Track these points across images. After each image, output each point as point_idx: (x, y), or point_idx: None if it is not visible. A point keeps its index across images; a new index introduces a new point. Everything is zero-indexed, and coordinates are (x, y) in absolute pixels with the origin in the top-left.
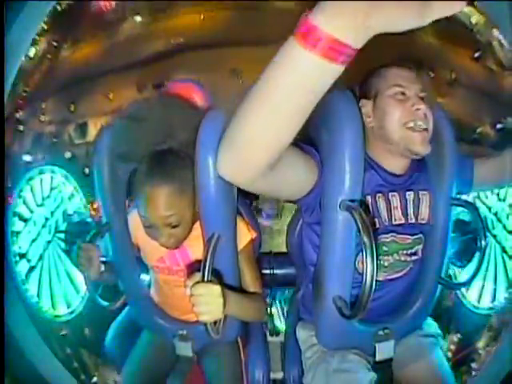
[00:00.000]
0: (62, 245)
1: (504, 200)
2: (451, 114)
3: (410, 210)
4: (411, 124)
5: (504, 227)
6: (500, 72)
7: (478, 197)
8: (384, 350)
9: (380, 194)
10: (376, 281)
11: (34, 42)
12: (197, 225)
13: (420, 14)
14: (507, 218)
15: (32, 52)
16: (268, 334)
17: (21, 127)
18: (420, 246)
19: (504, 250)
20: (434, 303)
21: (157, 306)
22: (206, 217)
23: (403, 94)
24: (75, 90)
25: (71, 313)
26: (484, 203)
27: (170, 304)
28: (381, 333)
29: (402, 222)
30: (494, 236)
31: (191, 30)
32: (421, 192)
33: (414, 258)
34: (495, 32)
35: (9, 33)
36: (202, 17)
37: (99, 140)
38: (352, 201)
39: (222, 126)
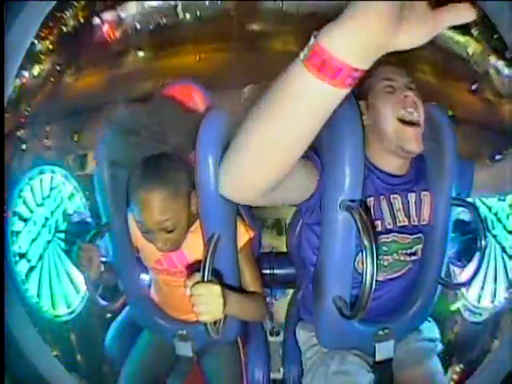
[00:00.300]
0: (62, 245)
1: (504, 200)
2: None
3: (413, 212)
4: (402, 112)
5: (504, 227)
6: (498, 102)
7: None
8: (384, 350)
9: (382, 197)
10: (376, 281)
11: (39, 61)
12: (193, 227)
13: (434, 27)
14: (507, 218)
15: (36, 70)
16: (268, 334)
17: (23, 146)
18: (420, 246)
19: (504, 250)
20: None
21: (157, 306)
22: (206, 217)
23: (392, 86)
24: (79, 120)
25: (71, 313)
26: (484, 203)
27: (170, 304)
28: (381, 333)
29: (406, 223)
30: (494, 236)
31: (188, 69)
32: (422, 193)
33: (413, 257)
34: (492, 59)
35: (9, 33)
36: (198, 58)
37: (99, 142)
38: (352, 201)
39: (222, 126)
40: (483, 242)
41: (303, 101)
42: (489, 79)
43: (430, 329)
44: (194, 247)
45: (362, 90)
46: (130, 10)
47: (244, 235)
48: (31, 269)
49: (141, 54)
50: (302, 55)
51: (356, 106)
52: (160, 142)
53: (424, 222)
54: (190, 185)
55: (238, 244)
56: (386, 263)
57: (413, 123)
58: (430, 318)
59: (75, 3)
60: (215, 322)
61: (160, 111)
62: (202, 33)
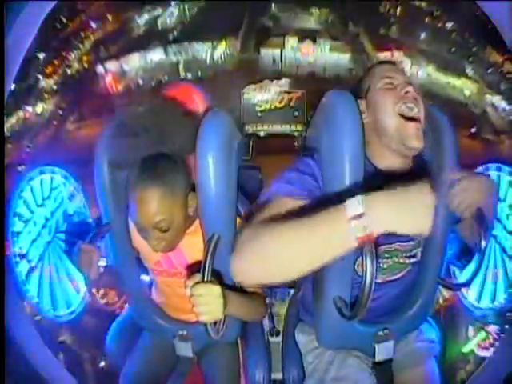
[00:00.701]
0: (62, 245)
1: (504, 200)
2: None
3: None
4: (402, 107)
5: (504, 227)
6: (497, 140)
7: None
8: (384, 351)
9: None
10: (375, 283)
11: (42, 99)
12: (192, 228)
13: None
14: (507, 218)
15: (39, 109)
16: (268, 334)
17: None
18: (419, 249)
19: (504, 251)
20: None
21: (157, 306)
22: (206, 217)
23: (391, 84)
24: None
25: (71, 313)
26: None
27: (171, 305)
28: (380, 333)
29: None
30: (494, 236)
31: None
32: None
33: (412, 260)
34: (488, 97)
35: (9, 33)
36: None
37: (98, 144)
38: None
39: (223, 127)
40: (483, 243)
41: (331, 249)
42: (487, 118)
43: (429, 330)
44: (193, 248)
45: (361, 89)
46: (132, 63)
47: None
48: (31, 269)
49: (141, 109)
50: (354, 228)
51: (356, 105)
52: (159, 144)
53: None
54: (188, 186)
55: None
56: (385, 266)
57: (414, 119)
58: (429, 319)
59: (80, 45)
60: (215, 323)
61: (160, 112)
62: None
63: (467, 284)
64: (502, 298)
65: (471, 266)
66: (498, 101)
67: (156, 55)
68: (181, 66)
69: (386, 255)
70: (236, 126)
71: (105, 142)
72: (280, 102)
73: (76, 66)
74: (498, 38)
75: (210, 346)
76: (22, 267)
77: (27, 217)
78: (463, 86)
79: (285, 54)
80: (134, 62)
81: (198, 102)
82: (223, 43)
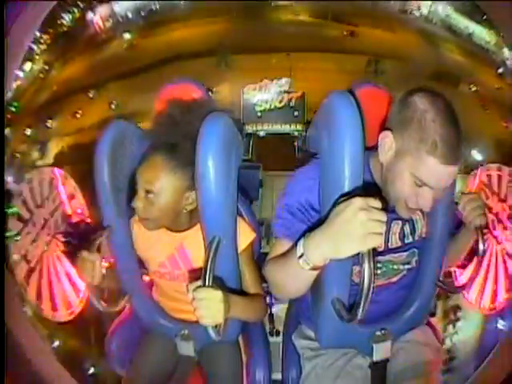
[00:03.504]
0: (62, 246)
1: (504, 201)
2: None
3: (407, 232)
4: (409, 205)
5: (504, 228)
6: None
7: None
8: (381, 351)
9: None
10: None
11: (31, 59)
12: (196, 227)
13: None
14: (507, 218)
15: (27, 67)
16: (268, 334)
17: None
18: (415, 258)
19: (504, 250)
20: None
21: (159, 306)
22: (207, 219)
23: (421, 185)
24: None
25: (71, 313)
26: (484, 203)
27: (172, 307)
28: (378, 333)
29: (399, 245)
30: (495, 237)
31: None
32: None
33: (407, 266)
34: (506, 52)
35: (9, 33)
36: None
37: (99, 144)
38: None
39: (223, 129)
40: (481, 247)
41: (300, 278)
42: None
43: (429, 334)
44: (198, 248)
45: (398, 132)
46: (124, 4)
47: (245, 238)
48: (31, 270)
49: (127, 36)
50: (302, 264)
51: (356, 107)
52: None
53: (418, 238)
54: (190, 186)
55: (239, 247)
56: (379, 271)
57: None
58: (431, 321)
59: (75, 9)
60: (216, 325)
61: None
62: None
63: (465, 287)
64: (502, 298)
65: (470, 268)
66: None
67: None
68: None
69: (379, 265)
70: (236, 125)
71: (105, 142)
72: (280, 102)
73: (68, 23)
74: None
75: (211, 345)
76: (22, 268)
77: (26, 217)
78: (481, 34)
79: None
80: (125, 2)
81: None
82: None
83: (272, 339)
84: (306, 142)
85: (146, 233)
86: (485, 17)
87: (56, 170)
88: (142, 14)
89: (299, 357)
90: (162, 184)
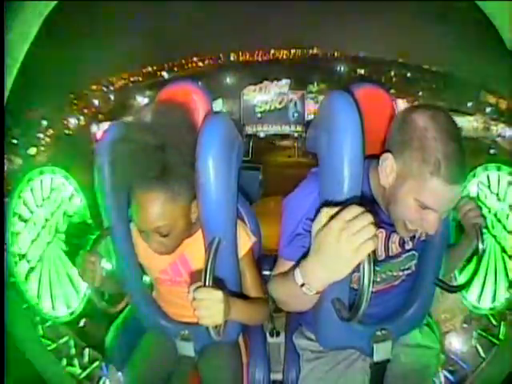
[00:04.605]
0: (62, 246)
1: (504, 200)
2: None
3: (407, 239)
4: (411, 227)
5: (504, 227)
6: None
7: (478, 197)
8: (382, 351)
9: (381, 229)
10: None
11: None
12: (197, 234)
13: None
14: (507, 218)
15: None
16: (268, 334)
17: None
18: (413, 262)
19: (504, 250)
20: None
21: (159, 307)
22: (207, 220)
23: (423, 208)
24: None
25: (71, 314)
26: (484, 203)
27: (172, 312)
28: (379, 333)
29: (400, 251)
30: (494, 236)
31: None
32: None
33: (406, 272)
34: (494, 129)
35: (9, 33)
36: None
37: (99, 145)
38: None
39: (223, 130)
40: (481, 246)
41: (303, 299)
42: (499, 146)
43: (431, 336)
44: (198, 254)
45: (400, 156)
46: None
47: (246, 242)
48: (31, 270)
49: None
50: (306, 290)
51: (355, 107)
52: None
53: (417, 242)
54: (191, 195)
55: (240, 251)
56: (378, 279)
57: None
58: (430, 321)
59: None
60: (216, 325)
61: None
62: None
63: (465, 286)
64: (502, 298)
65: (470, 268)
66: (503, 128)
67: None
68: None
69: (379, 269)
70: (236, 127)
71: (105, 142)
72: (280, 103)
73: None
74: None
75: (211, 345)
76: (22, 267)
77: (27, 217)
78: (467, 123)
79: None
80: None
81: (197, 102)
82: None
83: (272, 339)
84: (305, 142)
85: None
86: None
87: (57, 169)
88: None
89: (299, 357)
90: (170, 216)
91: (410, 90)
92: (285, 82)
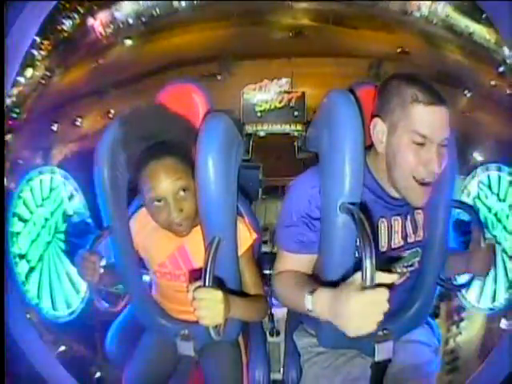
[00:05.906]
0: (62, 245)
1: (504, 200)
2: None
3: (410, 231)
4: (421, 171)
5: (504, 228)
6: None
7: (478, 197)
8: (383, 351)
9: (383, 219)
10: None
11: (32, 66)
12: (197, 228)
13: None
14: (507, 218)
15: (29, 73)
16: (268, 334)
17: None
18: (417, 259)
19: (504, 251)
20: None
21: (159, 306)
22: (207, 219)
23: (421, 144)
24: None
25: (71, 313)
26: (484, 204)
27: (172, 307)
28: (380, 333)
29: (402, 244)
30: (494, 236)
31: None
32: (416, 211)
33: (410, 268)
34: (506, 50)
35: (9, 33)
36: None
37: (99, 145)
38: (352, 204)
39: (222, 129)
40: (482, 245)
41: (297, 307)
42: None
43: (430, 335)
44: (198, 248)
45: (386, 112)
46: (124, 10)
47: (247, 239)
48: (31, 270)
49: (128, 42)
50: (313, 313)
51: (356, 106)
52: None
53: (420, 238)
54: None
55: (241, 248)
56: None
57: (427, 183)
58: (430, 321)
59: (75, 15)
60: (216, 325)
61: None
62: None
63: (467, 285)
64: (502, 298)
65: None
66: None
67: None
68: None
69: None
70: (236, 126)
71: (105, 142)
72: (280, 102)
73: (68, 25)
74: None
75: (211, 345)
76: (22, 267)
77: (27, 217)
78: (481, 33)
79: None
80: (126, 9)
81: (197, 102)
82: None
83: (272, 339)
84: (305, 141)
85: (147, 232)
86: (484, 15)
87: (57, 169)
88: (143, 19)
89: (299, 357)
90: (185, 174)
91: None
92: (285, 80)
